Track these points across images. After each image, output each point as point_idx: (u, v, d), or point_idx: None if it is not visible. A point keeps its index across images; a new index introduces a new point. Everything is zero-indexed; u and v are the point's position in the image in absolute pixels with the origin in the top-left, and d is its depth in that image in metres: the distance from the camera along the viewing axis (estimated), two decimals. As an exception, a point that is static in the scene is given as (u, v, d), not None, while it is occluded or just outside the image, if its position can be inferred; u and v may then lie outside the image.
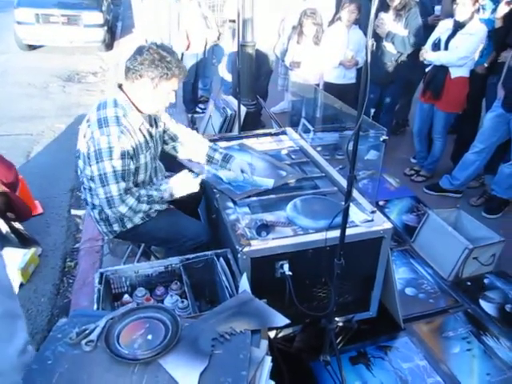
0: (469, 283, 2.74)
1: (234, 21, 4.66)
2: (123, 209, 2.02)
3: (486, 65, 3.58)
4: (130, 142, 1.97)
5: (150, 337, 1.34)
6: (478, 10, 3.44)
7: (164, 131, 2.34)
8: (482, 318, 2.49)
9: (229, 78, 4.80)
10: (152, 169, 2.21)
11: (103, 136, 1.91)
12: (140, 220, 2.19)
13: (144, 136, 2.09)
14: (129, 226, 2.20)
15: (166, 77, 1.94)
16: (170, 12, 4.52)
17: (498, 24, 3.43)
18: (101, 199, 2.00)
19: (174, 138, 2.39)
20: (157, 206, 2.19)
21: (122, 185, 1.97)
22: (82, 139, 2.04)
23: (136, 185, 2.13)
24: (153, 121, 2.19)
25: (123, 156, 1.94)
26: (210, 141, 2.55)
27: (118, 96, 2.02)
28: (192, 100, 5.33)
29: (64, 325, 1.40)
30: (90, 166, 1.97)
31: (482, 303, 2.60)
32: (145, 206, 2.10)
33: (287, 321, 1.49)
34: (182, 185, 2.16)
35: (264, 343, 1.39)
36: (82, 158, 2.05)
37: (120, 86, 2.06)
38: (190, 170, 2.34)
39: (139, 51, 1.94)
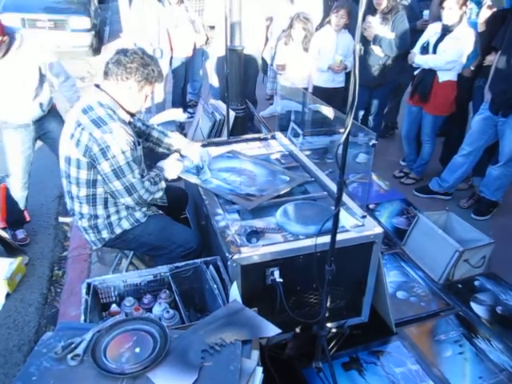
0: (460, 286, 2.75)
1: (212, 27, 4.66)
2: (144, 193, 2.06)
3: (472, 68, 3.60)
4: (130, 134, 2.04)
5: (137, 350, 1.31)
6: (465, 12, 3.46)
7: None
8: (474, 320, 2.49)
9: (216, 83, 4.78)
10: (143, 163, 2.25)
11: (106, 134, 1.93)
12: (129, 225, 2.18)
13: (134, 131, 2.15)
14: (118, 231, 2.18)
15: (150, 81, 2.05)
16: (159, 17, 4.49)
17: (481, 28, 3.46)
18: (118, 190, 2.02)
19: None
20: (160, 193, 2.20)
21: (137, 171, 2.04)
22: (67, 143, 2.01)
23: None
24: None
25: (129, 146, 1.99)
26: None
27: (100, 97, 2.03)
28: (181, 104, 5.30)
29: (49, 339, 1.37)
30: (100, 164, 1.96)
31: (473, 305, 2.60)
32: (156, 188, 2.14)
33: (278, 330, 1.47)
34: (174, 166, 2.23)
35: (255, 354, 1.37)
36: (69, 161, 2.02)
37: (98, 86, 2.06)
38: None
39: (124, 53, 1.99)
